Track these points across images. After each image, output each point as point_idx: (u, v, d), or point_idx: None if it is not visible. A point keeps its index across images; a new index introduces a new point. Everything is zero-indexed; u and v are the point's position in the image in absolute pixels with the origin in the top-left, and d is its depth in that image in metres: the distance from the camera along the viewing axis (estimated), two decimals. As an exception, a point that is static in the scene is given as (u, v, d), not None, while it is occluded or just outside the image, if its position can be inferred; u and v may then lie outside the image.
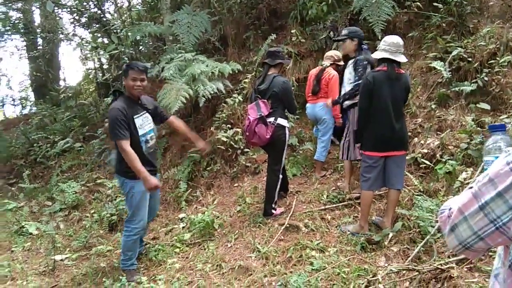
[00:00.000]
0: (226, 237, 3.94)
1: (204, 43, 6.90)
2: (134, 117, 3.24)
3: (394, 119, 3.29)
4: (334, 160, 5.10)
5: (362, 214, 3.51)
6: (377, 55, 3.32)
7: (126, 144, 3.11)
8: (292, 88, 4.80)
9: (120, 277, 3.28)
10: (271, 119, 3.88)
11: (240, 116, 5.67)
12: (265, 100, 3.92)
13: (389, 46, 3.26)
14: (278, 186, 4.08)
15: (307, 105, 5.03)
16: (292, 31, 6.04)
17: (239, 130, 5.37)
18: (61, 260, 4.15)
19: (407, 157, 3.84)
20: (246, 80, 5.74)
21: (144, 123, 3.31)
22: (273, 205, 4.07)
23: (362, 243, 3.31)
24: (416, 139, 4.36)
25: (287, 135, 4.00)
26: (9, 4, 11.19)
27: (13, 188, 6.99)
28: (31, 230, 4.12)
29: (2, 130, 10.90)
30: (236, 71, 5.73)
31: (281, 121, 3.94)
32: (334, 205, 4.06)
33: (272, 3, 6.49)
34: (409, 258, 3.04)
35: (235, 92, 5.73)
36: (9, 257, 4.35)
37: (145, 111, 3.36)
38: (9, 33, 13.41)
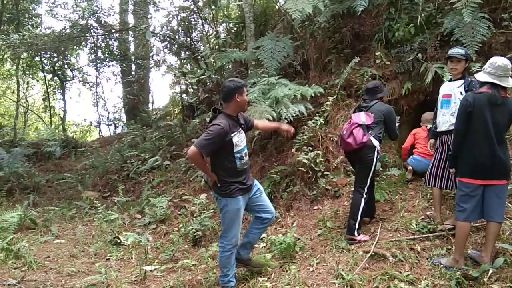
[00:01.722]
0: (307, 260, 3.91)
1: (285, 67, 7.06)
2: (232, 135, 3.34)
3: (496, 146, 3.07)
4: (422, 187, 4.85)
5: (457, 247, 3.27)
6: (481, 77, 3.15)
7: (196, 153, 3.20)
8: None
9: None
10: (367, 132, 4.01)
11: (321, 138, 5.66)
12: (370, 113, 4.09)
13: (495, 69, 3.07)
14: (362, 204, 4.02)
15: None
16: (377, 54, 5.96)
17: (320, 152, 5.36)
18: (151, 270, 4.42)
19: (508, 187, 3.53)
20: (328, 103, 5.74)
21: (240, 140, 3.42)
22: (356, 225, 4.01)
23: (458, 278, 3.07)
24: (518, 168, 3.99)
25: (375, 156, 4.03)
26: (110, 35, 12.58)
27: (107, 201, 7.66)
28: (130, 240, 4.47)
29: (99, 147, 12.05)
30: (318, 94, 5.76)
31: (374, 140, 4.01)
32: (424, 235, 3.83)
33: (356, 26, 6.47)
34: (514, 299, 2.77)
35: (317, 114, 5.76)
36: (105, 265, 4.73)
37: (241, 128, 3.49)
38: (108, 60, 15.05)
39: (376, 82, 4.54)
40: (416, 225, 4.03)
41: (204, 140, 3.22)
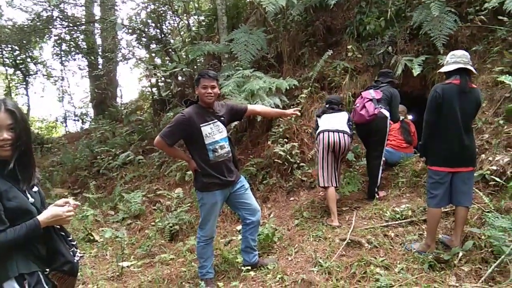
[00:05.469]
0: (286, 250, 3.97)
1: (259, 60, 7.07)
2: (201, 125, 3.26)
3: (463, 134, 3.21)
4: (393, 176, 5.02)
5: (429, 232, 3.41)
6: (448, 68, 3.27)
7: (160, 142, 3.29)
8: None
9: (200, 282, 3.44)
10: (378, 106, 4.45)
11: (296, 130, 5.74)
12: (378, 91, 4.58)
13: (461, 58, 3.21)
14: (381, 170, 4.55)
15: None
16: (349, 47, 6.07)
17: (295, 144, 5.43)
18: (127, 266, 4.35)
19: (475, 174, 3.71)
20: (302, 96, 5.81)
21: (213, 131, 3.31)
22: (376, 189, 4.59)
23: (430, 262, 3.21)
24: (483, 156, 4.19)
25: (388, 126, 4.48)
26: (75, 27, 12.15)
27: (78, 198, 7.44)
28: (107, 235, 4.38)
29: (66, 143, 11.65)
30: (293, 87, 5.81)
31: (384, 111, 4.46)
32: (397, 222, 3.98)
33: (328, 20, 6.56)
34: (482, 278, 2.92)
35: (291, 107, 5.80)
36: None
37: (216, 120, 3.35)
38: (73, 53, 14.51)
39: (388, 69, 5.18)
40: (389, 212, 4.16)
41: (166, 129, 3.31)
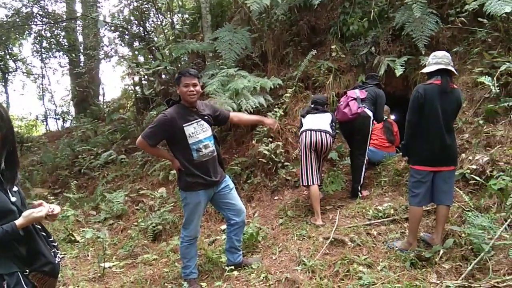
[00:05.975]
0: (270, 249, 3.97)
1: (243, 59, 7.05)
2: (184, 125, 3.20)
3: (445, 134, 3.26)
4: (375, 175, 5.07)
5: (411, 231, 3.46)
6: (429, 69, 3.31)
7: (142, 143, 3.25)
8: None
9: (182, 282, 3.40)
10: (361, 105, 4.52)
11: (280, 130, 5.74)
12: (364, 91, 4.65)
13: (442, 59, 3.25)
14: (364, 169, 4.62)
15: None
16: (332, 47, 6.11)
17: (280, 143, 5.43)
18: (109, 267, 4.28)
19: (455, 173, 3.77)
20: (287, 95, 5.82)
21: (197, 131, 3.25)
22: (359, 187, 4.62)
23: (412, 260, 3.25)
24: (463, 155, 4.27)
25: (371, 125, 4.58)
26: (56, 24, 11.92)
27: (58, 198, 7.29)
28: (88, 236, 4.29)
29: (46, 142, 11.42)
30: (277, 86, 5.82)
31: (368, 111, 4.54)
32: (380, 221, 4.02)
33: (312, 19, 6.60)
34: (463, 276, 2.97)
35: (276, 106, 5.82)
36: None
37: (200, 119, 3.30)
38: (54, 50, 14.21)
39: (374, 71, 5.39)
40: (371, 211, 4.20)
41: (148, 129, 3.27)
